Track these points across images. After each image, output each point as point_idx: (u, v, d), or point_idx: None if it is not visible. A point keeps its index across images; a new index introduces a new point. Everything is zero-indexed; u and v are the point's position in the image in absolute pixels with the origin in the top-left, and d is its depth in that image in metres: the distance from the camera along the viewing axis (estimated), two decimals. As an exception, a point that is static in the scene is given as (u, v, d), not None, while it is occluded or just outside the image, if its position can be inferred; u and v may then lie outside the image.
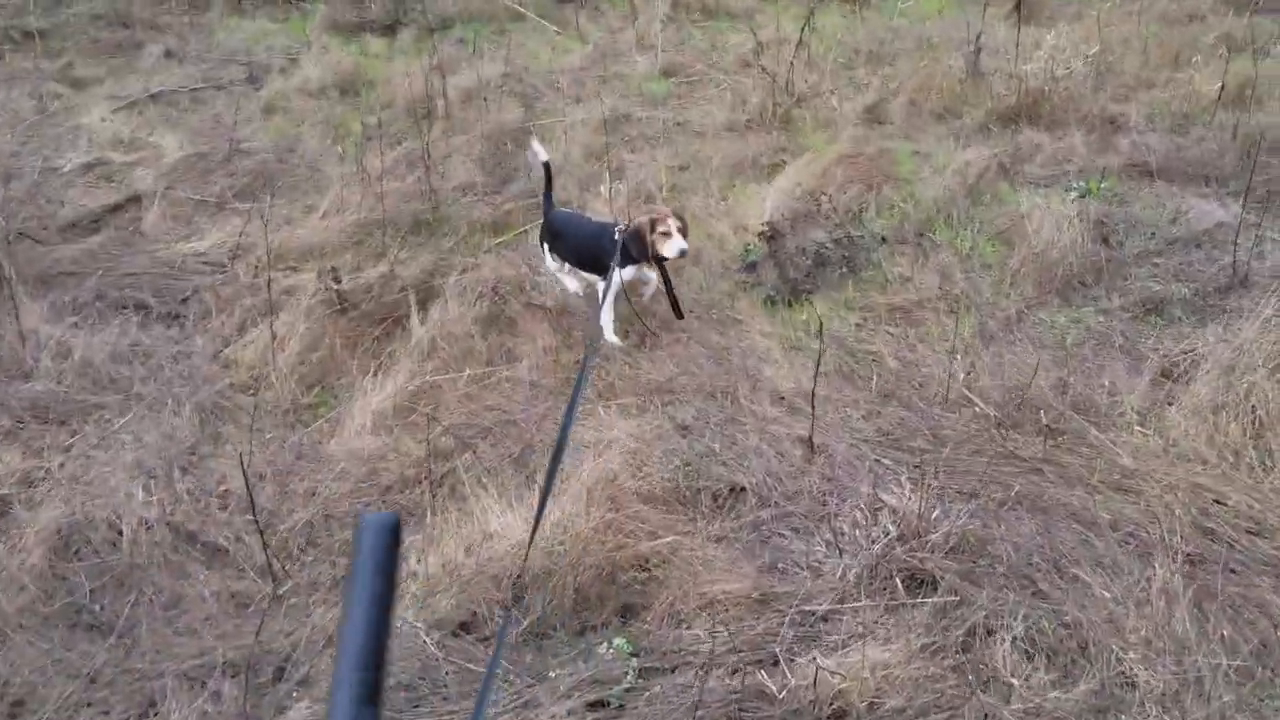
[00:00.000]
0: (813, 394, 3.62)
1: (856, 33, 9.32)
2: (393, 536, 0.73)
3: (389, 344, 4.48)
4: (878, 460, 3.52)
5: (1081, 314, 4.43)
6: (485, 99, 7.47)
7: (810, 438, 3.54)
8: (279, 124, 7.35)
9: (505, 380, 4.20)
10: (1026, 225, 5.04)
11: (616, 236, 4.28)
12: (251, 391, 4.18)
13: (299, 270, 5.02)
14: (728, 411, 3.89)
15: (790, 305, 4.75)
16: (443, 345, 4.38)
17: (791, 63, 7.27)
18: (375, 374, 4.23)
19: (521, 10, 10.52)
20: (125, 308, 4.84)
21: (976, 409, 3.73)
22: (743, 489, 3.42)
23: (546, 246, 4.82)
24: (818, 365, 3.67)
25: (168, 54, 9.21)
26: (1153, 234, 5.04)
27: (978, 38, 7.99)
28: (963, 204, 5.58)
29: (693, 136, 7.03)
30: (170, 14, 10.61)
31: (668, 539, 3.04)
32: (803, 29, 7.32)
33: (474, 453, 3.70)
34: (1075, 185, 5.77)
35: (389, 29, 10.08)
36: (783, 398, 3.95)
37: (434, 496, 3.48)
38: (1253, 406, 3.36)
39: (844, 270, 4.90)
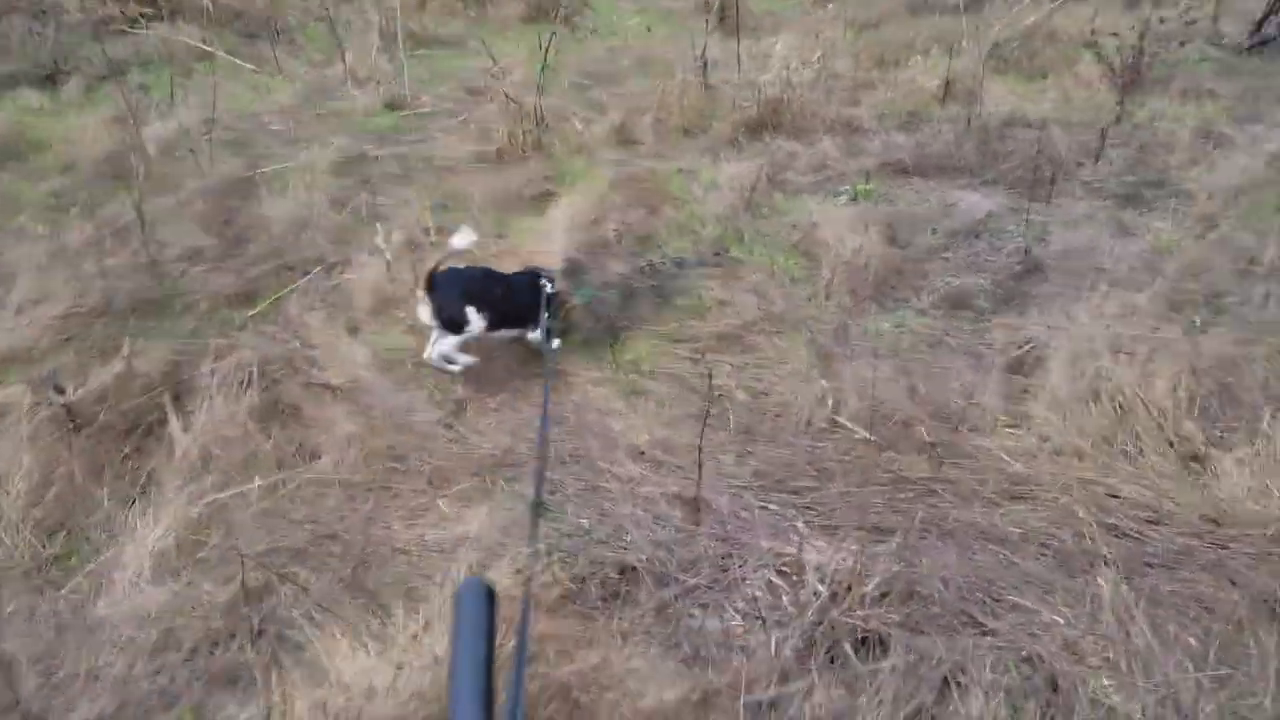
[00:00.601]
0: (699, 448, 3.22)
1: (578, 55, 9.10)
2: (489, 600, 0.77)
3: (145, 461, 3.58)
4: (764, 507, 3.20)
5: (901, 317, 4.37)
6: (192, 150, 6.46)
7: (697, 495, 3.14)
8: (-74, 204, 5.94)
9: (308, 484, 3.47)
10: (821, 234, 4.97)
11: (546, 287, 4.12)
12: (-34, 555, 3.17)
13: (1, 384, 3.95)
14: (585, 479, 3.42)
15: (610, 346, 4.34)
16: (217, 452, 3.56)
17: (539, 86, 6.88)
18: (136, 503, 3.35)
19: (208, 49, 9.38)
20: None
21: (848, 433, 3.51)
22: (632, 568, 2.96)
23: (472, 311, 3.95)
24: (705, 418, 3.28)
25: None
26: (933, 229, 5.13)
27: (703, 51, 8.03)
28: (745, 218, 5.45)
29: (441, 172, 6.45)
30: None
31: (590, 658, 2.53)
32: (545, 52, 6.93)
33: (295, 584, 2.98)
34: (842, 190, 5.82)
35: (48, 79, 8.59)
36: (642, 452, 3.53)
37: (259, 652, 2.73)
38: (1110, 392, 3.38)
39: (656, 300, 4.57)
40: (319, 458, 3.58)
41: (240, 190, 5.89)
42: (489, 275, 4.19)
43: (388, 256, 4.44)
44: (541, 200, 5.90)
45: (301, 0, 10.86)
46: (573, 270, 4.76)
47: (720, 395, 3.85)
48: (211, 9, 10.05)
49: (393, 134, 7.20)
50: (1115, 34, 7.88)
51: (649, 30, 10.07)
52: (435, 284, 3.87)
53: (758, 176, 5.91)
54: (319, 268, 4.98)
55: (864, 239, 4.75)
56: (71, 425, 3.59)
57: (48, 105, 7.88)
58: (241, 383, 3.93)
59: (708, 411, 3.30)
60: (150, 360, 4.04)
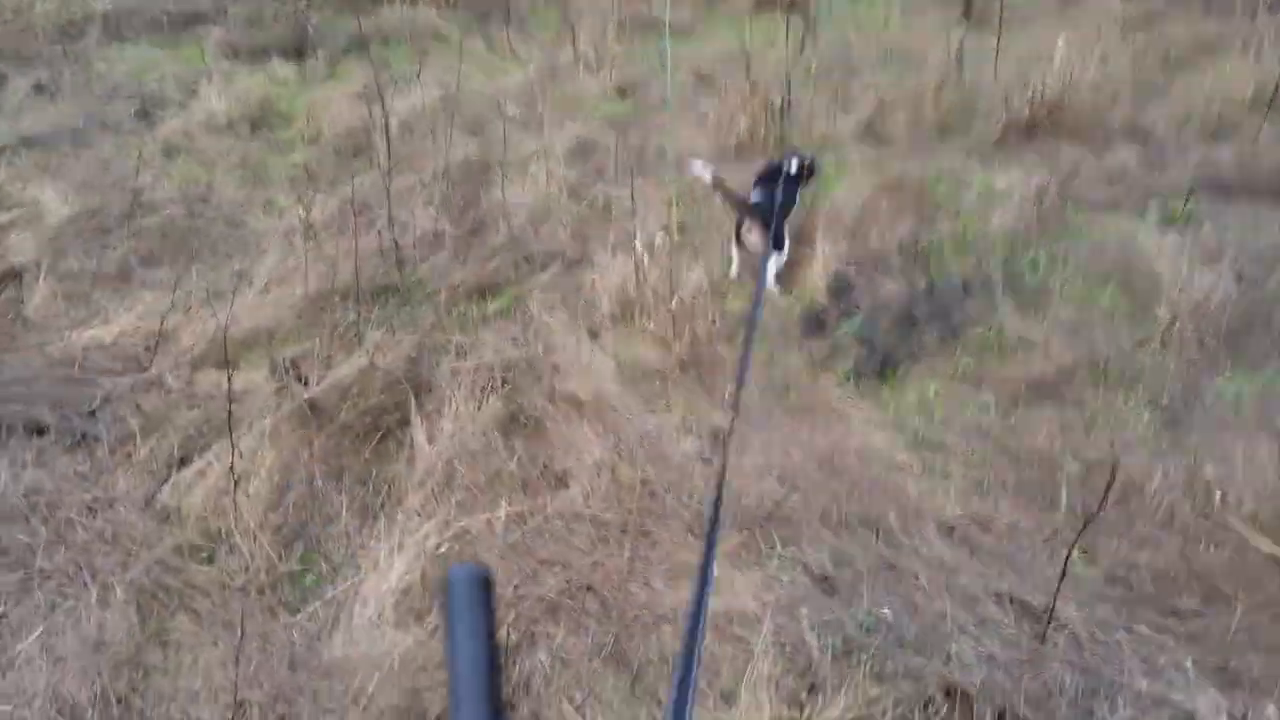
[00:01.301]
0: (1066, 562, 2.47)
1: (815, 46, 8.32)
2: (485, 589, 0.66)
3: (386, 467, 3.17)
4: (1130, 629, 2.43)
5: (1269, 379, 3.45)
6: (432, 131, 6.16)
7: (1051, 609, 2.41)
8: (184, 168, 5.84)
9: (557, 516, 2.95)
10: (1141, 263, 4.09)
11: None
12: (207, 558, 2.83)
13: (243, 366, 3.65)
14: (881, 554, 2.74)
15: (883, 379, 3.65)
16: (460, 467, 3.10)
17: (787, 76, 6.19)
18: (377, 518, 2.93)
19: (444, 29, 9.20)
20: (12, 431, 3.37)
21: (1234, 537, 2.69)
22: (963, 693, 2.27)
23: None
24: (1083, 532, 2.53)
25: (38, 88, 7.51)
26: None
27: (960, 44, 7.14)
28: (1037, 236, 4.61)
29: (678, 165, 5.88)
30: (36, 41, 8.85)
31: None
32: (803, 38, 6.24)
33: (549, 648, 2.46)
34: (1150, 209, 4.86)
35: (297, 52, 8.60)
36: (952, 528, 2.82)
37: (511, 737, 2.23)
38: None
39: (942, 331, 3.82)
40: (567, 485, 3.07)
41: (478, 174, 5.51)
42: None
43: (645, 260, 3.88)
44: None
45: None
46: (839, 288, 4.08)
47: (1042, 459, 3.09)
48: (446, -12, 9.92)
49: (625, 122, 6.69)
50: None
51: (887, 23, 9.21)
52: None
53: (1045, 187, 5.03)
54: (559, 262, 4.51)
55: (1213, 276, 3.82)
56: (313, 423, 3.22)
57: (295, 77, 7.81)
58: (484, 388, 3.47)
59: (1064, 496, 2.54)
60: (391, 355, 3.64)
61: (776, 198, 4.08)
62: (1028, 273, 4.28)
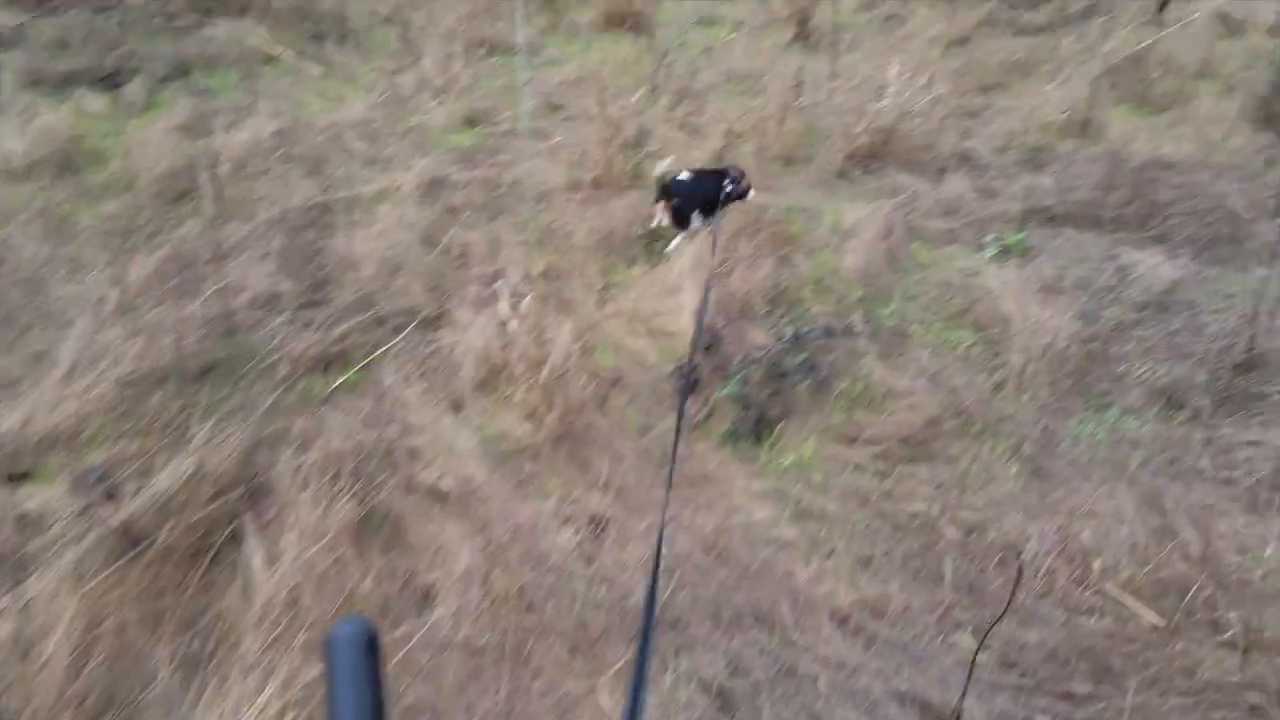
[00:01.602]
0: (972, 666, 2.27)
1: (664, 73, 8.10)
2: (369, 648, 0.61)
3: (215, 601, 2.68)
4: (1034, 722, 2.26)
5: (1112, 420, 3.41)
6: (267, 171, 5.55)
7: (959, 710, 2.20)
8: (-28, 222, 5.03)
9: (422, 646, 2.55)
10: (988, 299, 4.01)
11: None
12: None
13: (38, 479, 3.05)
14: (776, 654, 2.48)
15: (760, 439, 3.41)
16: (305, 592, 2.64)
17: (649, 90, 5.90)
18: (203, 672, 2.44)
19: (274, 52, 8.42)
20: None
21: (1114, 604, 2.56)
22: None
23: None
24: (976, 657, 2.32)
25: None
26: (1112, 296, 4.15)
27: (798, 72, 7.05)
28: (889, 274, 4.50)
29: (534, 203, 5.50)
30: None
31: None
32: (656, 72, 5.96)
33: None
34: (987, 240, 4.85)
35: (109, 79, 7.66)
36: (846, 617, 2.59)
37: None
38: None
39: (812, 383, 3.62)
40: (433, 604, 2.66)
41: (319, 220, 4.96)
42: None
43: (512, 325, 3.50)
44: (652, 242, 4.95)
45: (366, 1, 9.94)
46: (711, 344, 3.82)
47: (922, 525, 2.91)
48: (276, 7, 9.13)
49: (476, 154, 6.24)
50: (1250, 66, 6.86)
51: (726, 42, 9.09)
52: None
53: (891, 222, 4.94)
54: (414, 322, 4.06)
55: (1053, 313, 3.78)
56: (129, 550, 2.68)
57: (108, 110, 6.94)
58: (332, 485, 3.01)
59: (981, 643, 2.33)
60: (222, 450, 3.12)
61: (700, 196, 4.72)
62: (886, 315, 4.14)
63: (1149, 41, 7.85)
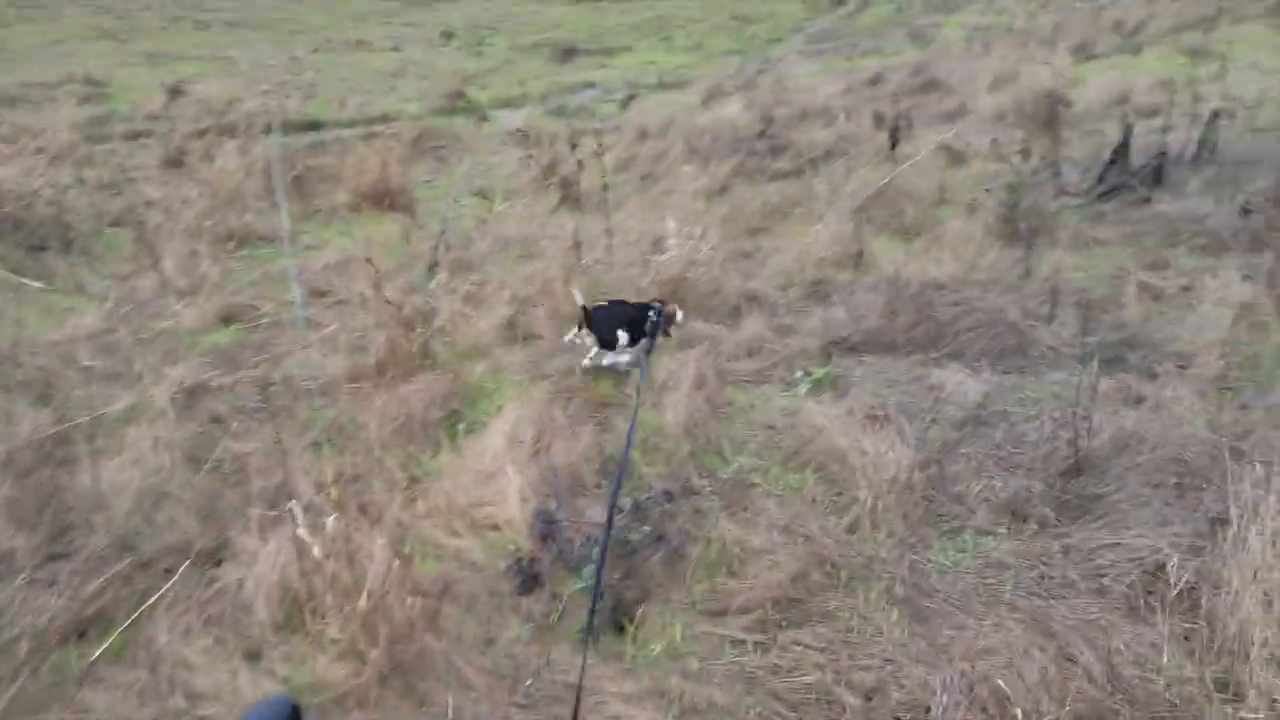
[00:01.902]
0: None
1: (443, 248, 8.01)
2: None
3: None
4: None
5: (967, 543, 3.43)
6: (-18, 403, 4.79)
7: None
8: None
9: None
10: (814, 436, 4.03)
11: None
12: None
13: None
14: None
15: (621, 630, 3.13)
16: None
17: (429, 266, 5.70)
18: None
19: (-21, 269, 7.56)
20: None
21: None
22: None
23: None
24: None
25: None
26: (930, 417, 4.30)
27: (575, 231, 7.18)
28: (712, 423, 4.45)
29: (314, 398, 5.08)
30: None
31: None
32: (436, 247, 5.82)
33: None
34: (796, 376, 4.97)
35: None
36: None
37: None
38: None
39: (665, 554, 3.41)
40: None
41: (55, 453, 4.29)
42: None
43: (316, 551, 3.05)
44: (452, 425, 4.67)
45: (91, 204, 9.30)
46: (545, 529, 3.54)
47: (819, 698, 2.71)
48: (-17, 217, 8.30)
49: (238, 353, 5.76)
50: (988, 190, 7.73)
51: (498, 213, 9.19)
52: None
53: (702, 370, 4.96)
54: (188, 562, 3.50)
55: (885, 443, 3.83)
56: None
57: None
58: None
59: None
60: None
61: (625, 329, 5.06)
62: (721, 467, 4.06)
63: (888, 178, 8.71)
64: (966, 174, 9.55)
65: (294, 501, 3.21)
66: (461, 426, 4.64)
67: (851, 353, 5.25)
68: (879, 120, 12.48)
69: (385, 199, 9.60)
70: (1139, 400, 4.18)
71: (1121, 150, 8.18)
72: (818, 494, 3.76)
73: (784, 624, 3.05)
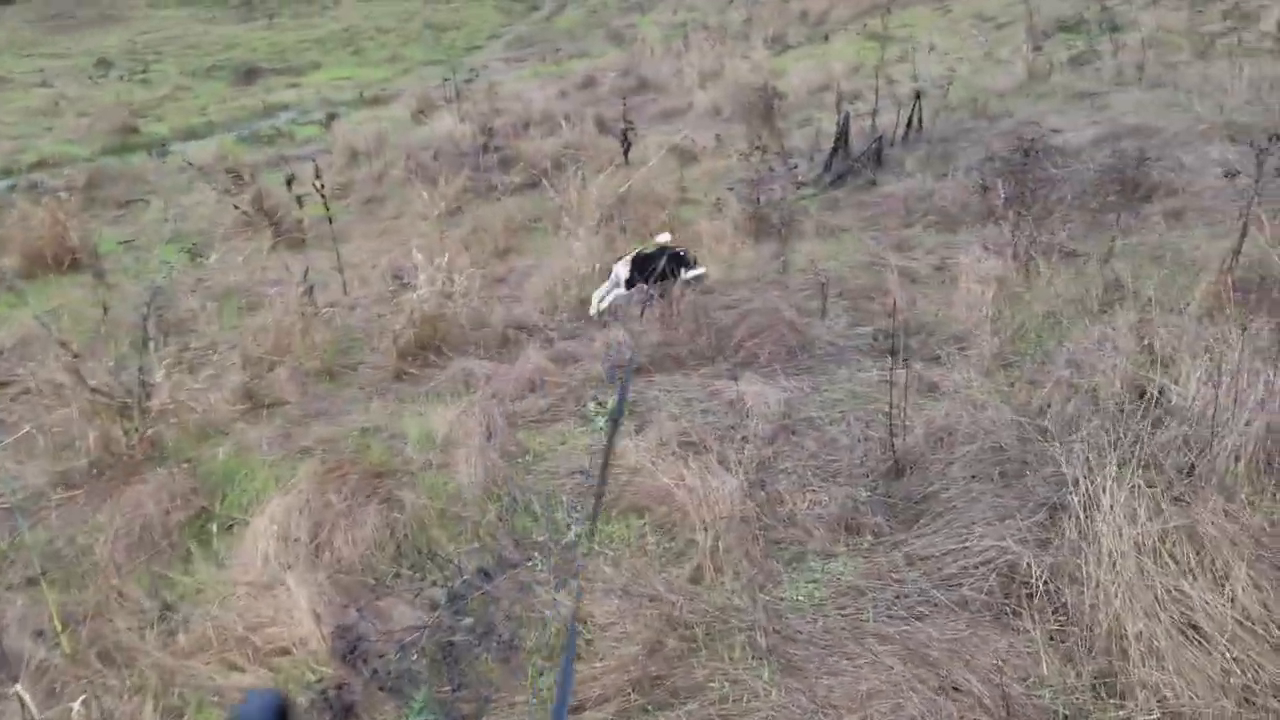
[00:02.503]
0: None
1: (123, 304, 6.95)
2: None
3: None
4: None
5: (816, 571, 3.30)
6: None
7: None
8: None
9: None
10: (649, 479, 3.78)
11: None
12: None
13: None
14: None
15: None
16: None
17: (142, 340, 4.81)
18: None
19: None
20: None
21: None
22: None
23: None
24: None
25: None
26: (728, 434, 4.18)
27: (305, 275, 6.51)
28: (511, 480, 4.07)
29: (11, 519, 4.13)
30: None
31: None
32: (149, 303, 4.95)
33: None
34: (591, 410, 4.70)
35: None
36: None
37: None
38: None
39: (497, 651, 2.99)
40: None
41: None
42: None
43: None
44: (202, 529, 3.97)
45: None
46: (349, 646, 3.01)
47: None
48: None
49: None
50: (730, 189, 7.84)
51: (199, 260, 8.17)
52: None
53: (487, 417, 4.56)
54: None
55: (707, 472, 3.64)
56: None
57: None
58: None
59: None
60: None
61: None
62: (534, 527, 3.70)
63: (629, 183, 8.67)
64: (701, 172, 9.73)
65: (17, 685, 2.49)
66: (214, 529, 3.94)
67: (639, 374, 5.05)
68: (602, 125, 12.53)
69: (64, 259, 8.29)
70: (932, 388, 4.28)
71: (842, 137, 8.64)
72: (650, 544, 3.50)
73: (650, 709, 2.76)
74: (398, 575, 3.53)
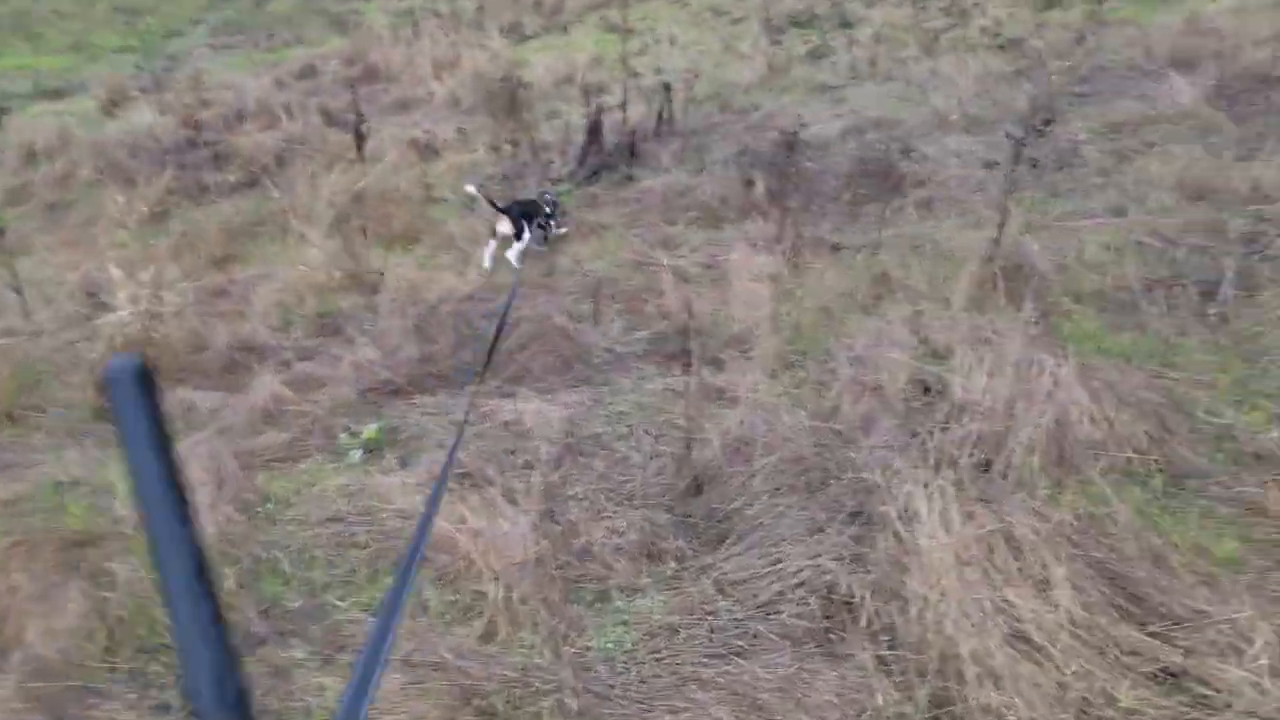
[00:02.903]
0: None
1: None
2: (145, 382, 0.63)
3: None
4: None
5: (624, 610, 3.01)
6: None
7: None
8: None
9: None
10: (436, 524, 3.32)
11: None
12: None
13: None
14: None
15: None
16: None
17: None
18: None
19: None
20: None
21: None
22: None
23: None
24: None
25: None
26: (518, 460, 3.83)
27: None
28: (256, 532, 3.49)
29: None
30: None
31: None
32: None
33: None
34: (344, 442, 4.17)
35: None
36: None
37: None
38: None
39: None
40: None
41: None
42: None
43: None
44: None
45: None
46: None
47: None
48: None
49: None
50: (481, 186, 7.43)
51: None
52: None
53: (216, 459, 3.92)
54: None
55: (498, 513, 3.27)
56: None
57: None
58: None
59: None
60: None
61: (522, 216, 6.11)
62: (284, 595, 3.16)
63: (363, 181, 8.05)
64: (445, 167, 9.23)
65: None
66: None
67: (395, 396, 4.57)
68: (329, 117, 11.67)
69: None
70: (720, 394, 4.13)
71: (595, 131, 8.46)
72: (430, 600, 3.07)
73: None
74: (113, 672, 2.88)
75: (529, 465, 3.73)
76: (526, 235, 6.13)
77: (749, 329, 4.61)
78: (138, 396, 0.63)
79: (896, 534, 2.75)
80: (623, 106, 9.47)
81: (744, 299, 4.83)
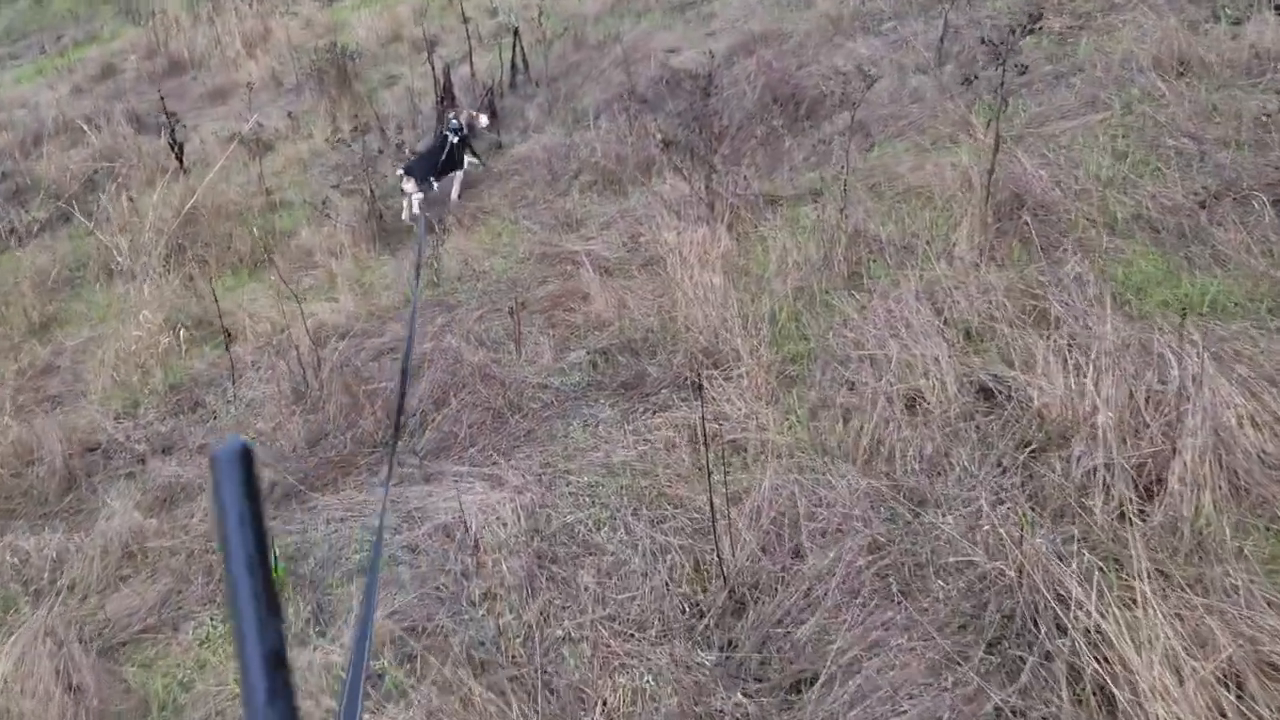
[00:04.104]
0: None
1: None
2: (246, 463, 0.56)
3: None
4: None
5: None
6: None
7: None
8: None
9: None
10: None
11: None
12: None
13: None
14: None
15: None
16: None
17: None
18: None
19: None
20: None
21: None
22: None
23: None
24: None
25: None
26: (409, 570, 2.70)
27: None
28: None
29: None
30: None
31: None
32: None
33: None
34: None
35: None
36: None
37: None
38: None
39: None
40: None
41: None
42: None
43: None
44: None
45: None
46: None
47: None
48: None
49: None
50: (335, 187, 6.03)
51: None
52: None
53: (65, 655, 2.66)
54: None
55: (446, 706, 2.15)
56: None
57: None
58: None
59: None
60: None
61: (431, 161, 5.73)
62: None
63: (194, 196, 6.52)
64: (282, 163, 7.68)
65: None
66: None
67: (291, 500, 3.33)
68: (139, 122, 9.78)
69: None
70: (714, 439, 3.05)
71: (447, 91, 7.07)
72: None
73: None
74: None
75: (489, 596, 2.60)
76: (435, 186, 5.70)
77: (713, 333, 3.50)
78: (239, 482, 0.53)
79: (1099, 685, 1.76)
80: (469, 59, 8.05)
81: (691, 293, 3.70)
